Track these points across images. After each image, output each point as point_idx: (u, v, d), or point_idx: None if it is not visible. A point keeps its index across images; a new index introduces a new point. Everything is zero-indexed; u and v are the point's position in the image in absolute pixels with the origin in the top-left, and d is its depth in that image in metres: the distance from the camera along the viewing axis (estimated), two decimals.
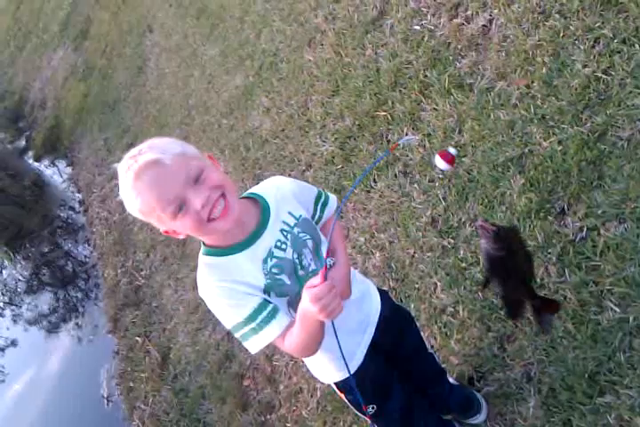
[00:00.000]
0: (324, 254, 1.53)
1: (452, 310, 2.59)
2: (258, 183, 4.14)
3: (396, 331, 1.94)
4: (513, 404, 2.21)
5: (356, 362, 1.82)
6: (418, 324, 2.60)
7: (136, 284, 5.23)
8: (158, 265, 4.97)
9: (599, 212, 2.32)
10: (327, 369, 1.85)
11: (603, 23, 2.71)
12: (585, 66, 2.67)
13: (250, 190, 1.69)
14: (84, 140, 8.63)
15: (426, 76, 3.45)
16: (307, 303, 1.42)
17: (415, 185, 3.10)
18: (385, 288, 2.91)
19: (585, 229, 2.33)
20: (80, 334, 6.19)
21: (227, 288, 1.56)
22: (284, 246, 1.61)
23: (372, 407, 1.89)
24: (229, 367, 3.61)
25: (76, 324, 6.50)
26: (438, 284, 2.70)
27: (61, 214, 8.67)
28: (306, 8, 4.91)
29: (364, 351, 1.84)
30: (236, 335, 1.59)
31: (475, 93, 3.12)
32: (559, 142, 2.60)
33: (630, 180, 2.29)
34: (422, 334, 2.58)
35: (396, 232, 3.05)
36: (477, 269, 2.58)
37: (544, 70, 2.83)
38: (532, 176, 2.61)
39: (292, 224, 1.65)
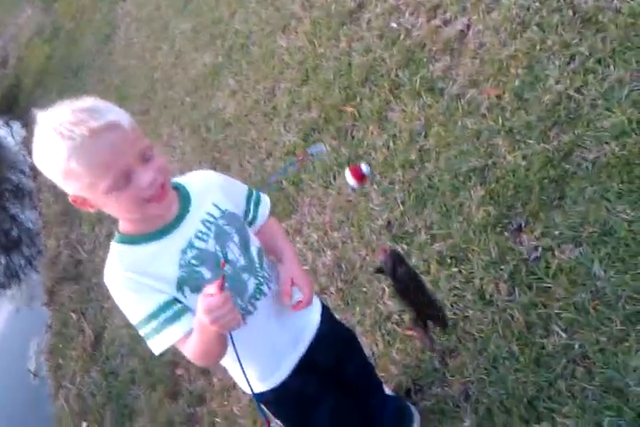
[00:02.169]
0: (222, 264, 1.47)
1: (398, 318, 2.51)
2: (215, 167, 4.01)
3: (333, 353, 1.83)
4: (448, 422, 2.14)
5: (279, 376, 1.72)
6: (362, 329, 2.53)
7: (77, 257, 5.04)
8: (103, 241, 4.77)
9: (556, 233, 2.26)
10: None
11: (580, 40, 2.64)
12: (558, 82, 2.61)
13: (173, 179, 1.57)
14: (41, 103, 8.21)
15: (397, 75, 3.36)
16: (199, 313, 1.33)
17: (375, 186, 3.00)
18: (332, 290, 2.83)
19: (540, 249, 2.27)
20: (16, 303, 5.96)
21: (133, 280, 1.44)
22: (204, 237, 1.51)
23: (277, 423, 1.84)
24: (163, 354, 3.47)
25: (15, 291, 6.26)
26: (386, 289, 2.61)
27: (11, 177, 8.34)
28: None
29: (292, 367, 1.73)
30: (140, 333, 1.48)
31: (445, 98, 3.03)
32: (524, 157, 2.53)
33: (591, 203, 2.23)
34: (364, 340, 2.50)
35: (350, 232, 2.95)
36: (428, 278, 2.50)
37: (517, 82, 2.76)
38: (493, 189, 2.54)
39: (217, 216, 1.55)
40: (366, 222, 2.92)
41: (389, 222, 2.83)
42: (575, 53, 2.62)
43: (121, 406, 3.53)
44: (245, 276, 1.58)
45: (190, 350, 1.47)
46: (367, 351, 2.45)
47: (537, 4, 2.90)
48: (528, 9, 2.93)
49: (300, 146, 3.60)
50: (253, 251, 1.62)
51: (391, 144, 3.10)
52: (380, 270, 1.69)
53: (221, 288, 1.31)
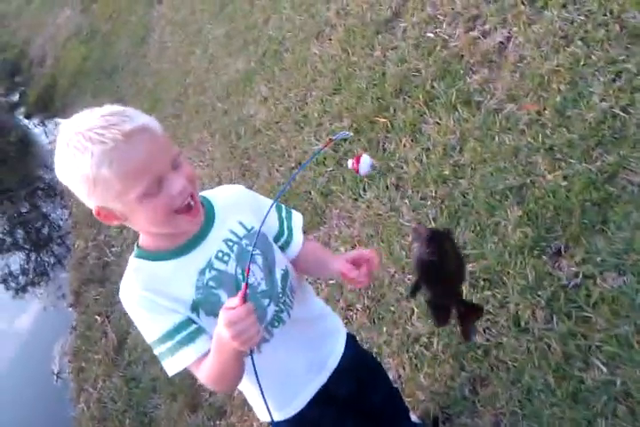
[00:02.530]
0: (247, 271, 1.31)
1: (427, 340, 2.38)
2: (244, 174, 3.91)
3: (356, 383, 1.70)
4: None
5: (296, 406, 1.61)
6: (388, 350, 2.41)
7: (104, 260, 4.97)
8: (130, 244, 4.70)
9: (598, 259, 2.12)
10: (262, 405, 1.64)
11: (628, 57, 2.50)
12: (603, 100, 2.46)
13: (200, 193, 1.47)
14: (76, 104, 8.29)
15: (433, 87, 3.23)
16: (220, 327, 1.22)
17: (406, 200, 2.88)
18: (358, 307, 2.71)
19: (580, 276, 2.13)
20: (44, 301, 5.92)
21: (148, 299, 1.35)
22: (226, 258, 1.41)
23: None
24: None
25: (43, 290, 6.22)
26: (415, 310, 2.49)
27: (44, 176, 8.35)
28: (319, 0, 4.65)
29: (310, 397, 1.62)
30: (154, 352, 1.39)
31: (481, 112, 2.90)
32: (564, 177, 2.39)
33: (636, 229, 2.08)
34: (391, 362, 2.38)
35: (379, 247, 2.83)
36: None
37: (558, 98, 2.62)
38: (531, 210, 2.40)
39: (242, 235, 1.44)
40: (396, 239, 2.80)
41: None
42: (622, 70, 2.48)
43: (141, 414, 3.44)
44: (265, 301, 1.46)
45: (205, 373, 1.37)
46: (393, 375, 2.34)
47: (582, 17, 2.76)
48: (572, 22, 2.79)
49: (330, 156, 3.49)
50: (277, 274, 1.50)
51: (424, 158, 2.97)
52: (414, 290, 1.44)
53: (244, 299, 1.21)
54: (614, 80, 2.48)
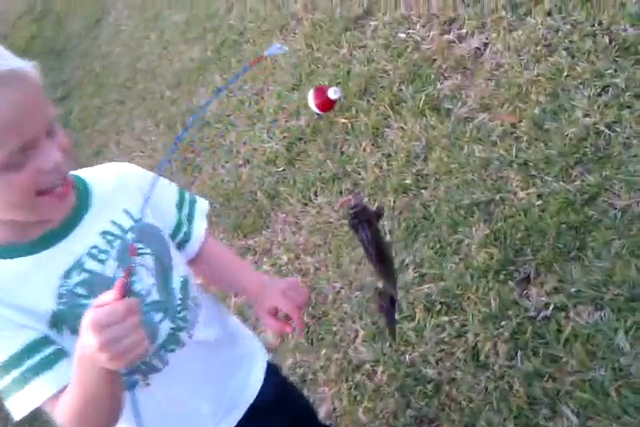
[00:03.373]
0: (130, 252, 0.98)
1: (370, 369, 2.08)
2: (186, 168, 3.56)
3: (278, 424, 1.34)
4: None
5: None
6: (325, 377, 2.10)
7: None
8: None
9: (572, 290, 1.86)
10: None
11: (616, 71, 2.27)
12: (586, 115, 2.23)
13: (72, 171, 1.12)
14: None
15: (400, 90, 2.96)
16: (85, 332, 0.85)
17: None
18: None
19: (551, 308, 1.87)
20: None
21: None
22: (102, 257, 1.06)
23: None
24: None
25: None
26: (360, 332, 2.19)
27: None
28: None
29: None
30: None
31: (451, 120, 2.64)
32: (539, 196, 2.14)
33: (617, 259, 1.83)
34: (327, 391, 2.07)
35: (326, 258, 2.53)
36: (411, 324, 2.08)
37: (536, 110, 2.37)
38: (499, 229, 2.14)
39: (127, 227, 1.10)
40: (345, 250, 2.50)
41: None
42: (609, 85, 2.25)
43: None
44: (157, 316, 1.11)
45: (65, 409, 0.96)
46: (328, 407, 2.04)
47: (567, 26, 2.53)
48: (557, 31, 2.55)
49: (282, 155, 3.18)
50: (175, 282, 1.15)
51: (384, 164, 2.69)
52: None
53: (123, 293, 0.86)
54: (600, 94, 2.25)
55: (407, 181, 2.54)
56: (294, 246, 2.69)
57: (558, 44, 2.51)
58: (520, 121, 2.41)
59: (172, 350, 1.14)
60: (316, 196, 2.82)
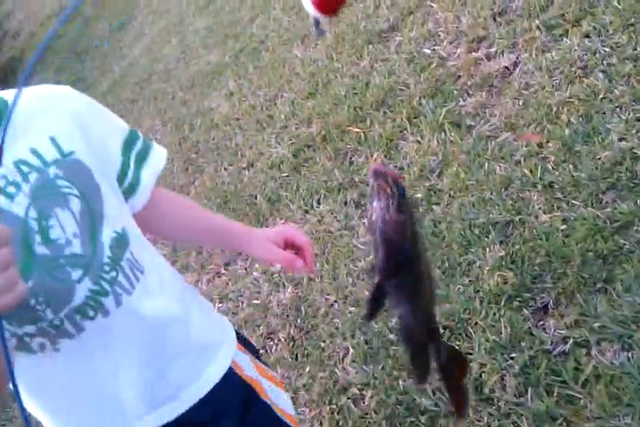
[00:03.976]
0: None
1: (357, 392, 1.80)
2: (187, 168, 3.32)
3: None
4: None
5: None
6: (307, 396, 1.82)
7: None
8: None
9: (596, 325, 1.60)
10: None
11: None
12: (622, 139, 1.99)
13: None
14: (35, 79, 7.61)
15: (420, 104, 2.73)
16: None
17: (365, 220, 2.33)
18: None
19: (570, 342, 1.60)
20: None
21: None
22: (12, 191, 0.81)
23: None
24: None
25: None
26: (351, 351, 1.92)
27: None
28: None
29: None
30: None
31: (472, 137, 2.41)
32: (564, 220, 1.89)
33: None
34: (307, 413, 1.79)
35: (322, 269, 2.27)
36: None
37: (567, 131, 2.14)
38: (517, 252, 1.89)
39: (50, 160, 0.85)
40: (344, 261, 2.24)
41: (373, 267, 2.15)
42: None
43: None
44: (74, 273, 0.86)
45: None
46: None
47: (606, 49, 2.31)
48: (595, 53, 2.34)
49: (287, 161, 2.94)
50: (106, 235, 0.90)
51: None
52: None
53: None
54: (639, 119, 2.02)
55: (418, 195, 2.29)
56: None
57: (595, 66, 2.30)
58: (547, 142, 2.18)
59: (91, 318, 0.88)
60: (319, 204, 2.57)
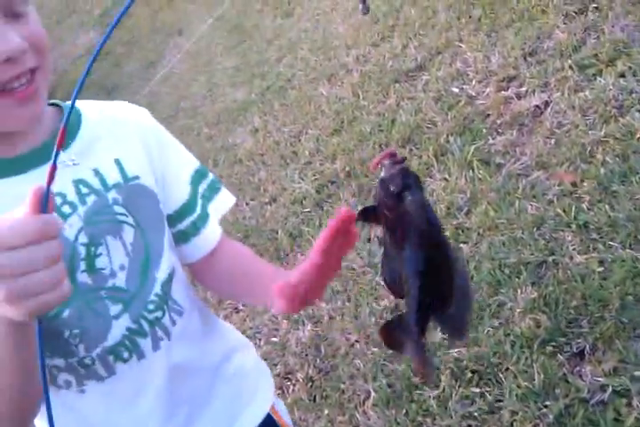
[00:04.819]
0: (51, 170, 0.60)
1: None
2: None
3: None
4: None
5: None
6: None
7: None
8: None
9: (637, 373, 1.49)
10: None
11: None
12: None
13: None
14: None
15: (448, 141, 2.68)
16: None
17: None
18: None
19: (609, 391, 1.49)
20: None
21: None
22: (67, 211, 0.76)
23: None
24: None
25: None
26: (373, 395, 1.81)
27: None
28: (341, 44, 4.19)
29: None
30: None
31: (501, 175, 2.34)
32: (600, 262, 1.80)
33: None
34: None
35: (344, 307, 2.18)
36: (434, 392, 1.71)
37: (602, 171, 2.07)
38: (550, 294, 1.79)
39: (111, 184, 0.80)
40: (367, 300, 2.15)
41: (397, 306, 2.07)
42: None
43: None
44: (113, 307, 0.79)
45: None
46: None
47: None
48: (631, 92, 2.29)
49: (310, 196, 2.89)
50: (162, 271, 0.83)
51: None
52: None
53: (39, 205, 0.56)
54: None
55: (445, 234, 2.21)
56: None
57: (631, 105, 2.24)
58: (582, 181, 2.11)
59: (124, 360, 0.80)
60: None
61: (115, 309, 0.79)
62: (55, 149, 0.57)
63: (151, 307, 0.82)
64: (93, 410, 0.81)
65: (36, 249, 0.54)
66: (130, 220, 0.80)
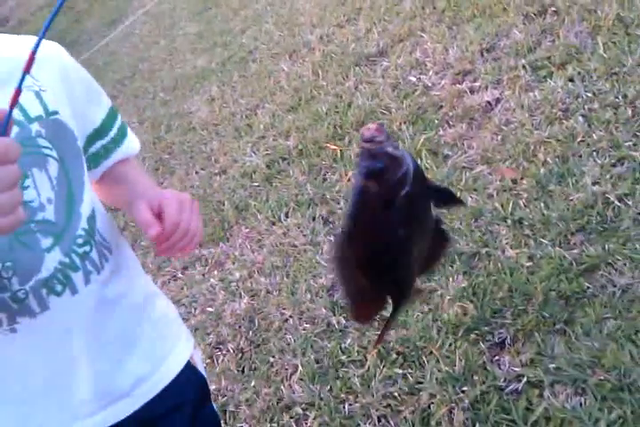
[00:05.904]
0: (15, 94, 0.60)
1: (301, 412, 1.71)
2: (158, 168, 3.21)
3: None
4: None
5: None
6: (248, 412, 1.73)
7: None
8: None
9: (552, 366, 1.54)
10: None
11: (635, 145, 2.03)
12: (596, 183, 1.97)
13: None
14: None
15: (400, 129, 2.69)
16: None
17: (331, 237, 2.26)
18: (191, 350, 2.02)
19: (523, 381, 1.54)
20: None
21: None
22: None
23: None
24: None
25: None
26: (300, 369, 1.83)
27: None
28: (306, 22, 4.14)
29: None
30: None
31: (447, 166, 2.37)
32: (530, 257, 1.84)
33: (610, 341, 1.53)
34: None
35: (281, 283, 2.18)
36: (358, 371, 1.73)
37: (542, 170, 2.11)
38: (480, 284, 1.83)
39: (33, 116, 0.78)
40: (305, 276, 2.16)
41: (333, 286, 2.08)
42: (625, 157, 2.00)
43: None
44: (44, 241, 0.77)
45: None
46: None
47: (589, 94, 2.31)
48: (577, 97, 2.33)
49: (260, 171, 2.87)
50: (85, 207, 0.83)
51: None
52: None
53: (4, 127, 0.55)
54: (614, 165, 2.00)
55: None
56: (250, 264, 2.34)
57: (576, 109, 2.28)
58: (522, 178, 2.15)
59: (58, 294, 0.79)
60: (287, 217, 2.49)
61: (46, 242, 0.77)
62: (22, 73, 0.57)
63: (80, 241, 0.81)
64: (22, 352, 0.79)
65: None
66: (54, 153, 0.79)
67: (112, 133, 0.93)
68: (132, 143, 0.99)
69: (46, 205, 0.77)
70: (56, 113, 0.80)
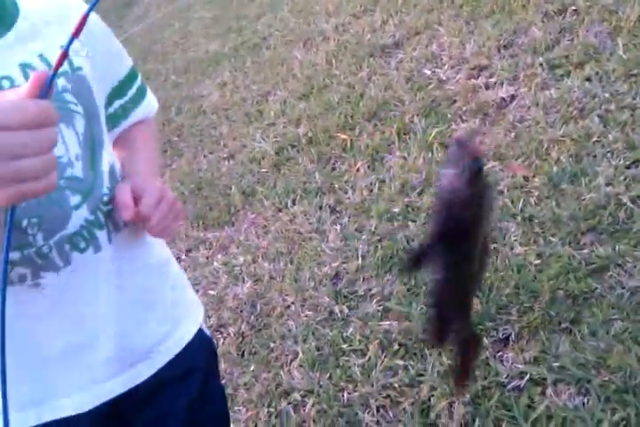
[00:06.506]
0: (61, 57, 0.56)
1: (299, 398, 1.69)
2: (167, 150, 3.18)
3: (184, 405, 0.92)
4: None
5: (71, 405, 0.81)
6: (246, 395, 1.71)
7: None
8: None
9: (555, 364, 1.52)
10: None
11: None
12: (609, 184, 1.94)
13: None
14: None
15: (412, 121, 2.66)
16: None
17: (337, 226, 2.23)
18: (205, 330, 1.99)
19: (526, 378, 1.52)
20: None
21: None
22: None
23: None
24: None
25: None
26: (300, 356, 1.80)
27: None
28: (322, 11, 4.10)
29: (104, 397, 0.83)
30: None
31: None
32: (538, 255, 1.82)
33: (616, 342, 1.50)
34: (243, 412, 1.67)
35: (285, 269, 2.16)
36: (359, 360, 1.71)
37: (555, 169, 2.08)
38: (486, 279, 1.80)
39: (63, 71, 0.75)
40: (309, 264, 2.13)
41: (337, 274, 2.06)
42: None
43: None
44: (73, 198, 0.75)
45: None
46: None
47: (606, 94, 2.27)
48: (594, 97, 2.29)
49: (269, 157, 2.83)
50: (105, 164, 0.81)
51: (375, 189, 2.36)
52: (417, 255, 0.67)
53: (40, 90, 0.53)
54: (629, 167, 1.97)
55: (395, 210, 2.20)
56: (255, 249, 2.31)
57: (592, 109, 2.25)
58: (534, 176, 2.11)
59: (81, 250, 0.76)
60: (294, 204, 2.46)
61: (74, 199, 0.75)
62: (70, 37, 0.54)
63: (105, 199, 0.79)
64: (47, 309, 0.76)
65: (31, 134, 0.51)
66: (79, 109, 0.76)
67: (130, 93, 0.91)
68: (151, 102, 0.97)
69: (74, 161, 0.74)
70: (80, 69, 0.78)
